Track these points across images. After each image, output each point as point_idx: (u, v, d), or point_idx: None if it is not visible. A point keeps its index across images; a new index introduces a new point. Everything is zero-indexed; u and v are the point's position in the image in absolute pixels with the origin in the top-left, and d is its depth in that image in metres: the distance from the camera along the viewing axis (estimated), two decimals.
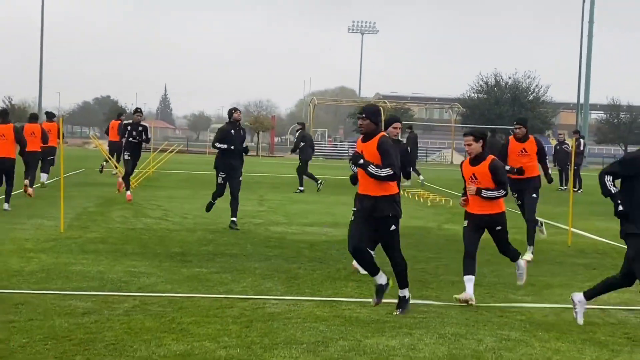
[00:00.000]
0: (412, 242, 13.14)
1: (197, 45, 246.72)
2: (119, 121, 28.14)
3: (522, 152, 12.13)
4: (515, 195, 12.25)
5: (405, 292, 8.19)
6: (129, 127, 19.00)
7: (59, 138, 23.49)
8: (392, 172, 7.87)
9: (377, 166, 7.87)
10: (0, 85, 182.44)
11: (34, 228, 13.38)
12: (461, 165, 9.06)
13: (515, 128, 12.25)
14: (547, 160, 12.69)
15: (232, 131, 14.45)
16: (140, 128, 18.97)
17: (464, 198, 8.97)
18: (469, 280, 8.62)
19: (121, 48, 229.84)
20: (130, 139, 18.90)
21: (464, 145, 8.89)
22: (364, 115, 8.08)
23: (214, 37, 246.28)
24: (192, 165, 38.59)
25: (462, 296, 8.54)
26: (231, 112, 14.67)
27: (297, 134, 26.07)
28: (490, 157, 8.83)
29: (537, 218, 12.18)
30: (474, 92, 75.61)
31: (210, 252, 11.61)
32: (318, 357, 6.39)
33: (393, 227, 8.04)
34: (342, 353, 6.54)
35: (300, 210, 18.23)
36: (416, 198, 22.31)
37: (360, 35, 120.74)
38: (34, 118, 20.79)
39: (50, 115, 24.59)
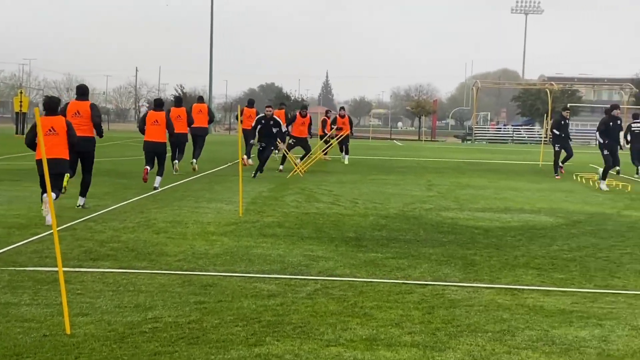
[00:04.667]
0: (591, 230, 12.68)
1: (361, 29, 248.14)
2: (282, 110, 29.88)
3: None
4: None
5: None
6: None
7: (209, 122, 25.12)
8: None
9: None
10: (173, 74, 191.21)
11: (215, 212, 13.92)
12: None
13: None
14: None
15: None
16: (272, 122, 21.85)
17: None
18: None
19: (292, 36, 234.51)
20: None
21: None
22: None
23: (379, 19, 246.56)
24: (357, 150, 38.91)
25: None
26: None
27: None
28: None
29: None
30: None
31: (384, 237, 11.67)
32: (505, 346, 6.28)
33: None
34: (530, 343, 6.39)
35: (470, 196, 17.98)
36: (591, 183, 21.46)
37: (524, 16, 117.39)
38: (178, 102, 23.07)
39: (200, 99, 26.36)
